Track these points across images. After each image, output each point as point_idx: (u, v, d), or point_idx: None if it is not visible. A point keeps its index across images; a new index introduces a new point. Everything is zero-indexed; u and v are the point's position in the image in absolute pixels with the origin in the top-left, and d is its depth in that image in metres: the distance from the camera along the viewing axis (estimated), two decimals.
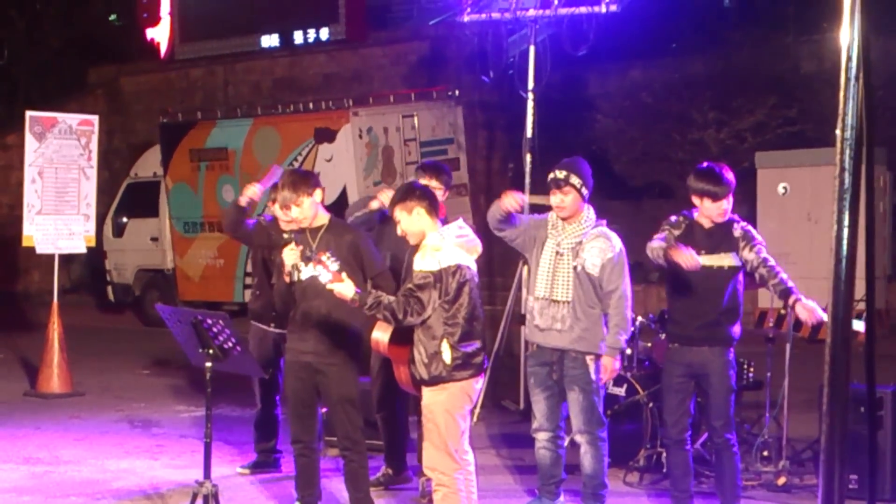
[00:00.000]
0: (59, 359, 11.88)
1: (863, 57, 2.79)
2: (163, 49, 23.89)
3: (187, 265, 18.18)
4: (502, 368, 10.99)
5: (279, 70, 22.77)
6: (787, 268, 7.02)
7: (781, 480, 7.79)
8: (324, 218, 6.73)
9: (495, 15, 11.31)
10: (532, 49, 11.01)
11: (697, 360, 6.82)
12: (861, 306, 5.54)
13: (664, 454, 7.69)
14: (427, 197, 6.09)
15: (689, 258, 6.47)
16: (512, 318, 10.76)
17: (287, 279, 6.56)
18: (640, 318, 8.36)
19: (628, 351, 8.36)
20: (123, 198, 19.83)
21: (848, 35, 2.81)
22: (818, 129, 16.24)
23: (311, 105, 16.85)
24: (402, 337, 6.13)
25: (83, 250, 12.83)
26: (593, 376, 6.91)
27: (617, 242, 6.95)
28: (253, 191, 8.02)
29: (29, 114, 12.41)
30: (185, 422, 10.44)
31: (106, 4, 26.83)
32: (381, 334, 6.30)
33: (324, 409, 7.30)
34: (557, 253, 6.93)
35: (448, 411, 5.99)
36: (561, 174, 6.90)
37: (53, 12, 25.68)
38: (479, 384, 6.18)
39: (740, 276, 6.78)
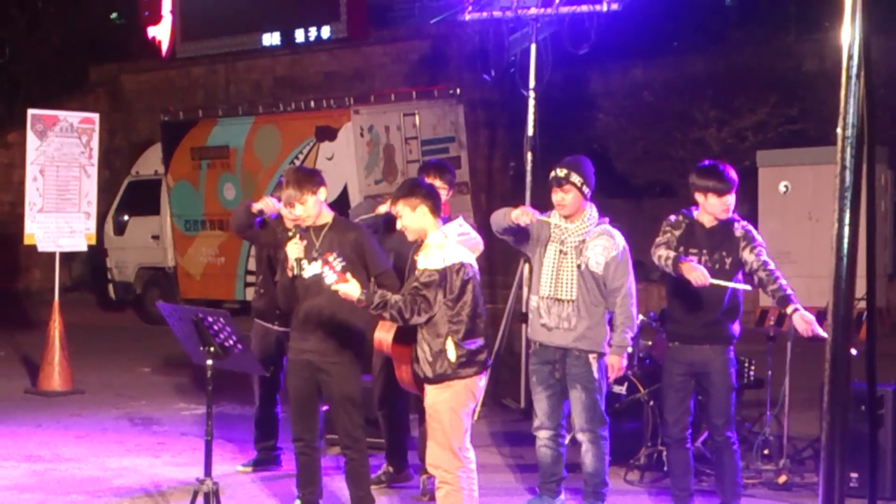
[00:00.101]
0: (60, 357, 11.89)
1: (864, 55, 2.79)
2: (164, 47, 23.89)
3: (188, 263, 18.18)
4: (503, 367, 10.99)
5: (280, 68, 22.77)
6: (788, 266, 7.04)
7: (782, 479, 7.79)
8: (328, 216, 6.73)
9: (497, 13, 11.31)
10: (533, 47, 11.00)
11: (699, 358, 6.82)
12: (862, 305, 5.54)
13: (665, 452, 7.69)
14: (432, 196, 6.09)
15: (700, 276, 6.46)
16: (513, 317, 10.76)
17: (290, 273, 6.57)
18: (641, 317, 8.35)
19: (629, 349, 8.36)
20: (125, 196, 19.83)
21: (849, 34, 2.81)
22: (819, 128, 16.23)
23: (312, 103, 16.84)
24: (405, 336, 6.13)
25: (84, 248, 12.84)
26: (596, 375, 6.91)
27: (620, 240, 6.95)
28: (269, 205, 7.94)
29: (31, 112, 12.42)
30: (186, 420, 10.44)
31: (107, 3, 26.81)
32: (384, 334, 6.30)
33: (325, 408, 7.30)
34: (561, 252, 6.93)
35: (453, 409, 5.99)
36: (561, 172, 6.90)
37: (55, 10, 25.67)
38: (482, 382, 6.19)
39: (739, 275, 6.78)
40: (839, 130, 2.82)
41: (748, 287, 6.79)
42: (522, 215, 6.80)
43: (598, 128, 18.93)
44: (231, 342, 5.96)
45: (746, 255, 6.71)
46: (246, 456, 8.63)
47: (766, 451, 8.08)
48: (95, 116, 12.82)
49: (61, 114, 12.65)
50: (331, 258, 5.72)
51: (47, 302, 12.97)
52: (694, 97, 17.82)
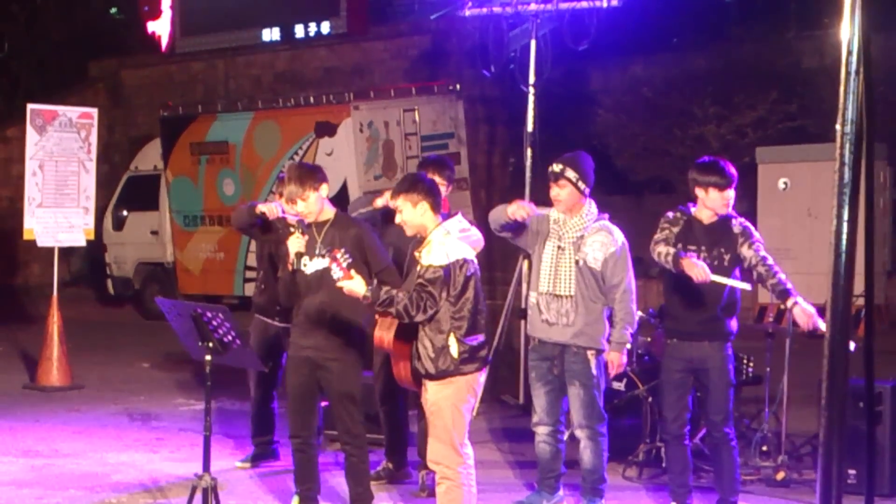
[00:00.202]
0: (58, 352, 11.89)
1: (863, 52, 2.79)
2: (163, 42, 23.89)
3: (187, 259, 18.17)
4: (502, 363, 10.99)
5: (280, 64, 22.77)
6: (787, 263, 7.04)
7: (780, 475, 7.79)
8: (329, 212, 6.72)
9: (496, 9, 11.31)
10: (533, 43, 11.00)
11: (697, 355, 6.82)
12: (860, 302, 5.55)
13: (663, 449, 7.69)
14: (433, 193, 6.08)
15: (701, 272, 6.45)
16: (512, 313, 10.77)
17: (290, 267, 6.57)
18: (640, 313, 8.34)
19: (628, 346, 8.36)
20: (123, 191, 19.82)
21: (848, 30, 2.81)
22: (819, 125, 16.23)
23: (311, 99, 16.83)
24: (404, 333, 6.12)
25: (83, 243, 12.84)
26: (594, 371, 6.91)
27: (619, 236, 6.95)
28: (274, 210, 7.92)
29: (30, 106, 12.42)
30: (185, 415, 10.44)
31: None
32: (384, 331, 6.27)
33: (324, 404, 7.30)
34: (559, 247, 6.93)
35: (455, 405, 6.00)
36: (557, 168, 6.92)
37: (54, 5, 25.64)
38: (482, 378, 6.19)
39: (737, 272, 6.79)
40: (838, 127, 2.82)
41: (748, 286, 6.79)
42: (518, 210, 6.82)
43: (597, 124, 18.92)
44: (230, 338, 5.96)
45: (745, 251, 6.71)
46: (244, 451, 8.63)
47: (764, 448, 8.08)
48: (94, 111, 12.82)
49: (60, 109, 12.65)
50: (338, 255, 5.72)
51: (46, 297, 12.98)
52: (694, 93, 17.81)
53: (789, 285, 6.59)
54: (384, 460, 7.98)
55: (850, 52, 2.81)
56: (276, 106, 17.30)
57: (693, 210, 6.87)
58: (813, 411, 7.95)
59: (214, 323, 5.91)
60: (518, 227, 6.98)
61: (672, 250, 6.64)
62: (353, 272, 5.76)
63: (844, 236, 2.81)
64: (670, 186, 17.90)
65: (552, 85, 12.74)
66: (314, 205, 6.63)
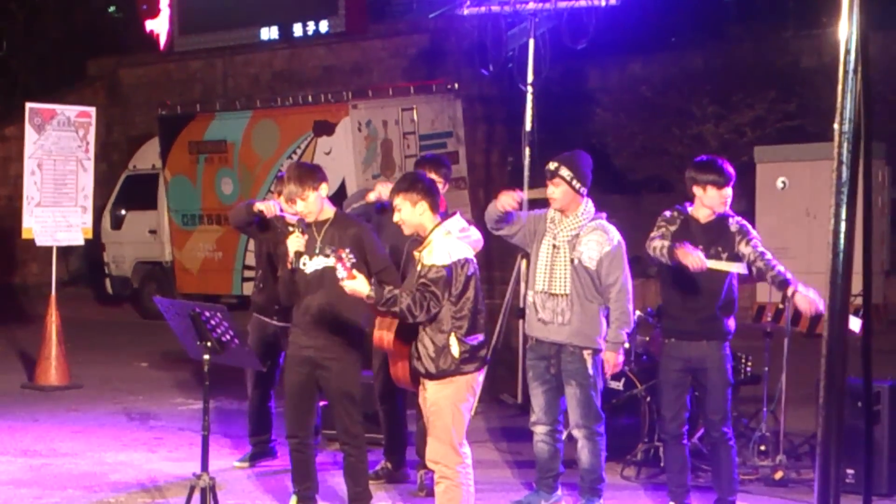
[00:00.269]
0: (56, 351, 11.88)
1: (861, 51, 2.78)
2: (162, 41, 23.87)
3: (186, 258, 18.16)
4: (500, 362, 10.99)
5: (278, 63, 22.76)
6: (785, 262, 7.03)
7: (778, 475, 7.79)
8: (329, 212, 6.72)
9: (495, 8, 11.31)
10: (532, 42, 11.00)
11: (696, 354, 6.82)
12: (858, 301, 5.56)
13: (661, 448, 7.69)
14: (432, 193, 6.08)
15: (696, 260, 6.45)
16: (510, 312, 10.76)
17: (290, 266, 6.57)
18: (638, 312, 8.35)
19: (626, 345, 8.35)
20: (122, 190, 19.81)
21: (846, 29, 2.81)
22: (817, 124, 16.23)
23: (310, 98, 16.82)
24: (404, 333, 6.10)
25: (81, 242, 12.83)
26: (591, 371, 6.91)
27: (615, 235, 6.94)
28: (272, 209, 7.93)
29: (29, 105, 12.41)
30: (183, 414, 10.44)
31: None
32: (384, 331, 6.26)
33: (323, 403, 7.29)
34: (554, 246, 6.93)
35: (455, 405, 6.00)
36: (552, 166, 6.94)
37: (53, 4, 25.62)
38: (481, 377, 6.19)
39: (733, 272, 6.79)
40: (836, 126, 2.82)
41: (743, 268, 6.76)
42: (505, 198, 6.87)
43: (596, 123, 18.93)
44: (228, 337, 5.95)
45: (743, 248, 6.72)
46: (243, 451, 8.63)
47: (762, 447, 8.08)
48: (92, 110, 12.81)
49: (59, 107, 12.65)
50: (343, 254, 5.72)
51: (44, 296, 12.98)
52: (692, 93, 17.82)
53: (789, 275, 6.60)
54: (383, 460, 7.97)
55: (848, 51, 2.80)
56: (274, 105, 17.29)
57: (690, 209, 6.87)
58: (811, 411, 7.93)
59: (213, 322, 5.90)
60: (515, 223, 7.01)
61: (666, 243, 6.64)
62: (355, 272, 5.76)
63: (843, 235, 2.81)
64: (669, 185, 17.90)
65: (550, 84, 12.75)
66: (314, 204, 6.63)
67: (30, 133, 12.16)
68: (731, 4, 21.50)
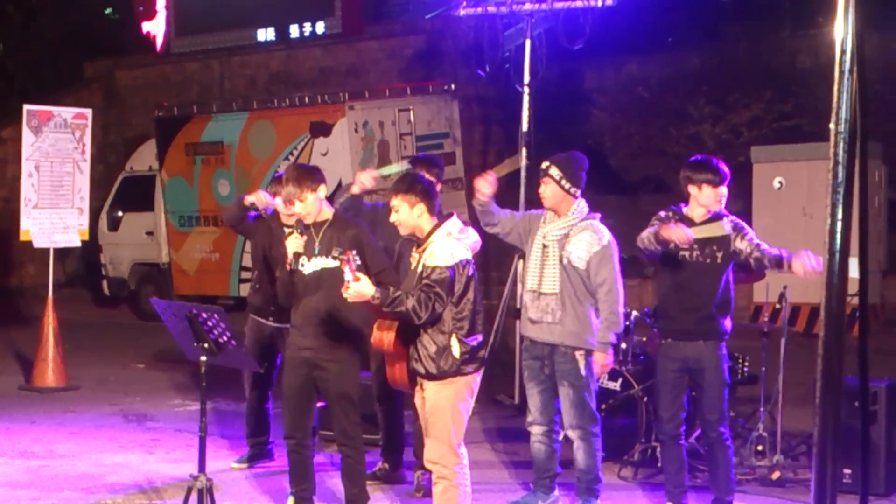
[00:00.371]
0: (54, 353, 11.88)
1: (857, 51, 2.79)
2: (158, 43, 23.86)
3: (183, 259, 18.16)
4: (497, 363, 10.99)
5: (275, 64, 22.75)
6: None
7: (776, 475, 7.80)
8: (328, 213, 6.72)
9: (491, 9, 11.32)
10: (528, 43, 11.01)
11: (692, 354, 6.82)
12: (855, 301, 5.56)
13: (659, 449, 7.69)
14: (430, 196, 6.07)
15: (680, 233, 6.51)
16: (507, 313, 10.76)
17: (288, 267, 6.57)
18: (635, 313, 8.36)
19: (623, 345, 8.36)
20: (119, 192, 19.80)
21: (842, 29, 2.81)
22: (814, 124, 16.23)
23: (306, 99, 16.82)
24: (404, 335, 6.09)
25: (78, 244, 12.83)
26: (583, 372, 6.90)
27: (605, 235, 6.94)
28: (262, 199, 7.96)
29: (26, 107, 12.41)
30: (181, 416, 10.43)
31: None
32: (385, 332, 6.24)
33: (321, 404, 7.28)
34: (543, 245, 6.95)
35: (454, 405, 6.00)
36: (544, 165, 7.00)
37: (49, 6, 25.61)
38: (479, 378, 6.19)
39: (731, 267, 6.79)
40: (832, 125, 2.82)
41: (728, 228, 6.76)
42: (481, 184, 6.96)
43: (592, 123, 18.93)
44: (225, 338, 5.95)
45: (739, 244, 6.74)
46: (240, 452, 8.63)
47: (759, 447, 8.09)
48: (88, 112, 12.81)
49: (55, 109, 12.65)
50: (350, 256, 5.72)
51: (41, 298, 12.96)
52: (688, 93, 17.82)
53: (783, 253, 6.66)
54: (380, 461, 7.97)
55: (843, 52, 2.80)
56: (270, 106, 17.29)
57: (685, 209, 6.88)
58: (808, 411, 7.94)
59: (210, 324, 5.90)
60: (499, 213, 7.04)
61: (652, 230, 6.67)
62: (358, 273, 5.76)
63: (839, 235, 2.81)
64: (665, 186, 17.89)
65: (547, 84, 12.77)
66: (312, 206, 6.63)
67: (27, 135, 12.16)
68: (727, 5, 21.50)
